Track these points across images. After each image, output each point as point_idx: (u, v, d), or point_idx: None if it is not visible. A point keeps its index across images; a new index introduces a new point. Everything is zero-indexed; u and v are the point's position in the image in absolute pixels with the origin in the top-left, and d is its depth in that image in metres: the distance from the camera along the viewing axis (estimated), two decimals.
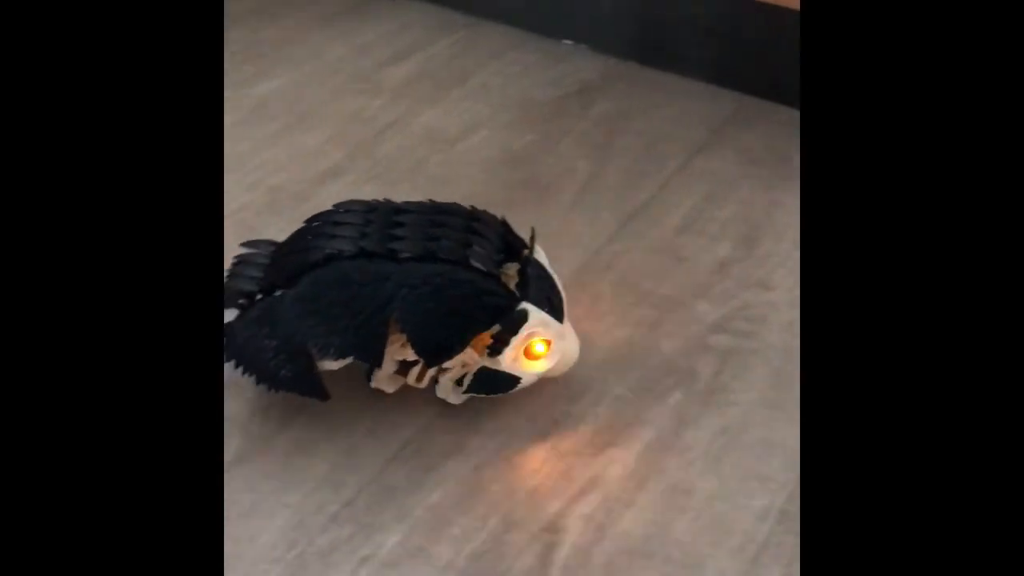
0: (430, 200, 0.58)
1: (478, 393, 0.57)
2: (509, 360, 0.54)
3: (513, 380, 0.56)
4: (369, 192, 0.74)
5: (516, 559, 0.50)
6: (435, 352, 0.54)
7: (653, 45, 0.89)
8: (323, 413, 0.57)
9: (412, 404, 0.58)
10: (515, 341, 0.54)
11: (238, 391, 0.58)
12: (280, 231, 0.70)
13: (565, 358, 0.57)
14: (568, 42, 0.93)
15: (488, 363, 0.55)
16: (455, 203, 0.58)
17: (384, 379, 0.57)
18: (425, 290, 0.52)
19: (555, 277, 0.57)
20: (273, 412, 0.57)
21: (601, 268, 0.68)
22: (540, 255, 0.57)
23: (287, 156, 0.78)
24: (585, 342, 0.62)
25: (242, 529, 0.51)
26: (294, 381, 0.55)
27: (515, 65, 0.90)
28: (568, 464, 0.55)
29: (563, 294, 0.56)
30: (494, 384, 0.56)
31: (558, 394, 0.59)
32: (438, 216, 0.55)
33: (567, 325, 0.56)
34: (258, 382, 0.55)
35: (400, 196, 0.74)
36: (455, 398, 0.57)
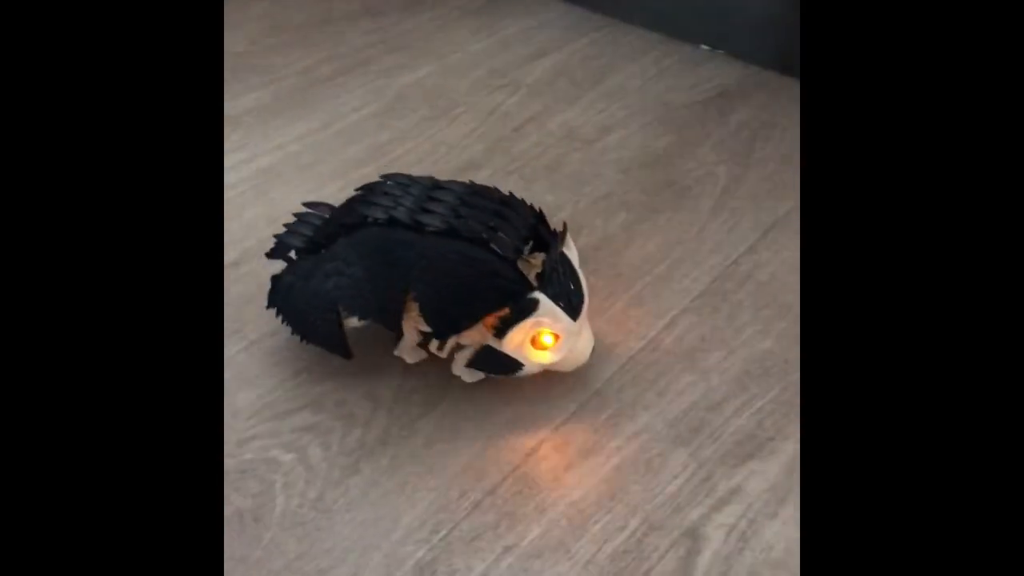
0: (470, 181, 0.59)
1: (479, 370, 0.58)
2: (513, 345, 0.55)
3: (515, 365, 0.56)
4: (507, 187, 0.76)
5: (658, 562, 0.50)
6: (443, 325, 0.56)
7: (793, 54, 0.88)
8: (465, 400, 0.58)
9: (554, 399, 0.59)
10: (521, 327, 0.54)
11: (382, 374, 0.60)
12: None
13: (574, 356, 0.57)
14: (705, 47, 0.93)
15: (493, 343, 0.55)
16: (493, 187, 0.59)
17: (407, 349, 0.60)
18: (441, 264, 0.54)
19: (581, 275, 0.57)
20: (416, 397, 0.59)
21: (741, 278, 0.68)
22: (571, 252, 0.58)
23: (427, 148, 0.80)
24: (725, 352, 0.62)
25: (386, 508, 0.53)
26: (322, 337, 0.58)
27: (652, 68, 0.90)
28: (708, 472, 0.55)
29: (586, 294, 0.57)
30: (495, 364, 0.57)
31: (698, 402, 0.59)
32: (471, 197, 0.57)
33: (582, 324, 0.56)
34: (293, 332, 0.60)
35: (538, 193, 0.75)
36: (468, 376, 0.59)
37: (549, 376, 0.60)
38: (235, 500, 0.53)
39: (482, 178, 0.76)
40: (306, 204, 0.63)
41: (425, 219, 0.55)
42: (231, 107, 0.84)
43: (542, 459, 0.55)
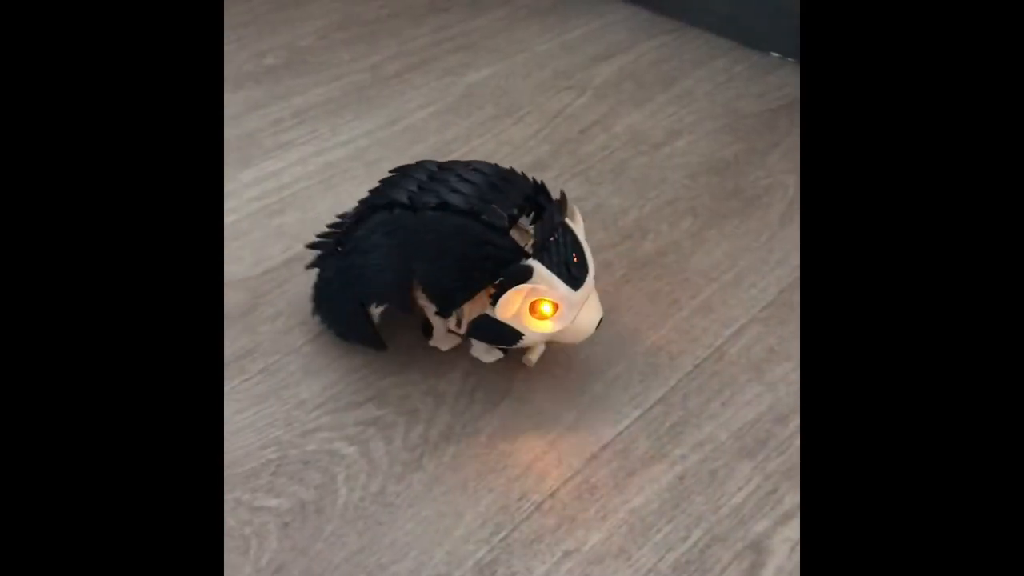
0: (476, 160, 0.58)
1: (479, 339, 0.57)
2: (508, 313, 0.54)
3: (515, 335, 0.55)
4: (572, 189, 0.75)
5: (720, 574, 0.49)
6: (443, 300, 0.56)
7: None
8: (526, 401, 0.58)
9: (616, 404, 0.58)
10: (516, 295, 0.53)
11: (445, 371, 0.60)
12: None
13: (577, 327, 0.55)
14: (775, 55, 0.91)
15: (490, 312, 0.55)
16: (492, 164, 0.58)
17: (439, 338, 0.60)
18: (434, 239, 0.54)
19: (585, 246, 0.56)
20: (478, 395, 0.59)
21: None
22: (577, 224, 0.56)
23: (494, 146, 0.80)
24: (792, 364, 0.60)
25: (447, 505, 0.52)
26: (353, 332, 0.60)
27: (721, 74, 0.89)
28: (774, 485, 0.54)
29: (591, 265, 0.55)
30: (494, 334, 0.56)
31: (764, 414, 0.58)
32: (469, 173, 0.56)
33: (585, 295, 0.55)
34: (337, 334, 0.61)
35: (603, 196, 0.75)
36: (487, 356, 0.59)
37: (612, 381, 0.59)
38: (297, 491, 0.53)
39: (547, 179, 0.76)
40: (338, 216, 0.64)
41: (423, 198, 0.54)
42: (300, 101, 0.85)
43: (604, 464, 0.55)
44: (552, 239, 0.54)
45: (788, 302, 0.65)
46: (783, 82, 0.88)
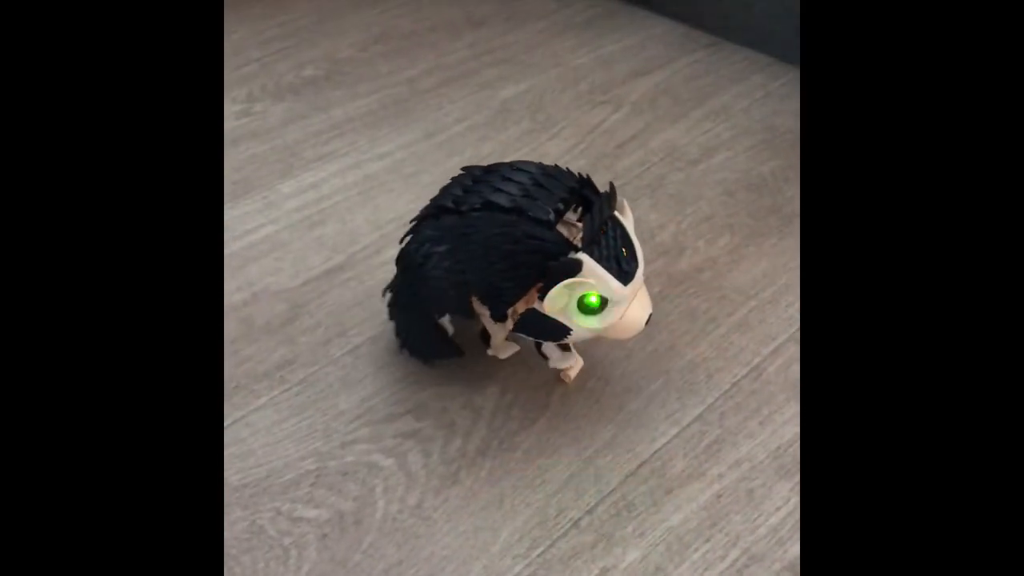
0: (521, 160, 0.58)
1: (526, 334, 0.56)
2: (556, 307, 0.53)
3: (562, 330, 0.54)
4: None
5: None
6: (496, 301, 0.54)
7: None
8: (564, 416, 0.58)
9: (654, 422, 0.58)
10: (565, 289, 0.52)
11: (483, 385, 0.60)
12: None
13: (626, 323, 0.54)
14: None
15: (537, 306, 0.54)
16: (536, 162, 0.57)
17: (498, 346, 0.60)
18: (480, 240, 0.53)
19: (635, 241, 0.54)
20: (515, 411, 0.59)
21: None
22: (627, 218, 0.55)
23: (531, 160, 0.80)
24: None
25: (485, 520, 0.53)
26: (430, 349, 0.60)
27: (758, 90, 0.89)
28: None
29: (640, 260, 0.54)
30: (540, 328, 0.54)
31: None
32: (513, 173, 0.55)
33: (635, 290, 0.54)
34: (423, 361, 0.61)
35: (640, 212, 0.75)
36: (503, 352, 0.60)
37: (649, 398, 0.59)
38: (336, 502, 0.54)
39: None
40: None
41: (468, 200, 0.54)
42: (339, 113, 0.86)
43: (641, 482, 0.55)
44: (602, 232, 0.53)
45: None
46: None
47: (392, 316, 0.61)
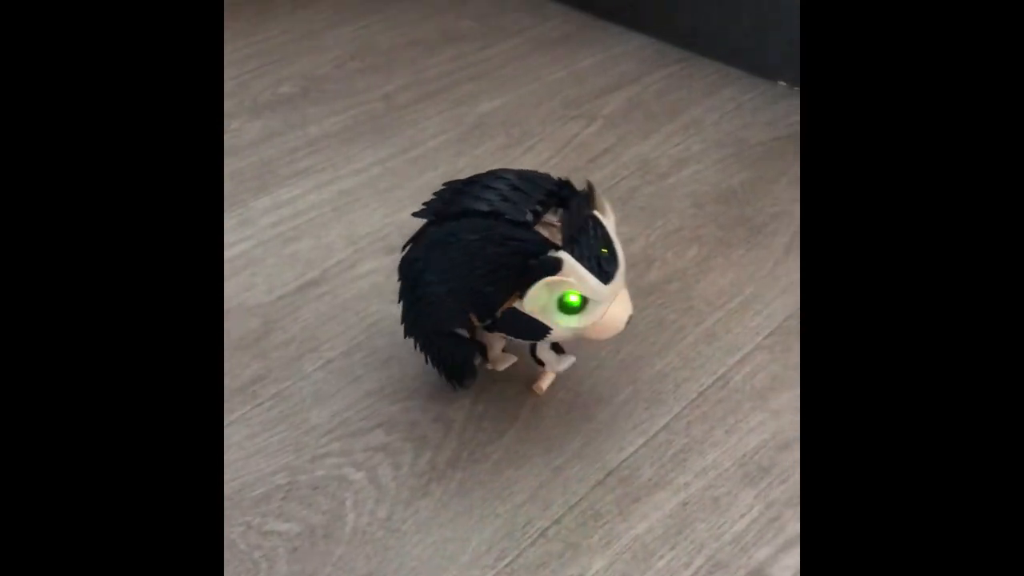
0: (501, 168, 0.58)
1: (505, 333, 0.56)
2: (536, 306, 0.53)
3: (542, 328, 0.54)
4: None
5: None
6: (483, 308, 0.54)
7: None
8: (534, 428, 0.59)
9: (621, 431, 0.59)
10: (544, 287, 0.52)
11: (454, 397, 0.61)
12: None
13: (607, 322, 0.54)
14: (783, 83, 0.92)
15: (518, 305, 0.54)
16: (515, 169, 0.57)
17: (496, 358, 0.61)
18: (459, 245, 0.53)
19: (616, 240, 0.54)
20: (486, 423, 0.60)
21: None
22: (608, 218, 0.55)
23: None
24: (796, 392, 0.61)
25: (454, 531, 0.53)
26: (454, 371, 0.60)
27: (729, 103, 0.90)
28: (777, 512, 0.54)
29: (621, 260, 0.54)
30: (520, 328, 0.55)
31: (768, 442, 0.58)
32: (492, 181, 0.55)
33: (616, 290, 0.54)
34: (448, 379, 0.61)
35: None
36: (501, 363, 0.62)
37: (618, 408, 0.60)
38: (307, 516, 0.54)
39: None
40: None
41: (448, 210, 0.54)
42: (315, 130, 0.86)
43: (608, 491, 0.56)
44: (582, 232, 0.53)
45: (793, 330, 0.66)
46: (791, 111, 0.89)
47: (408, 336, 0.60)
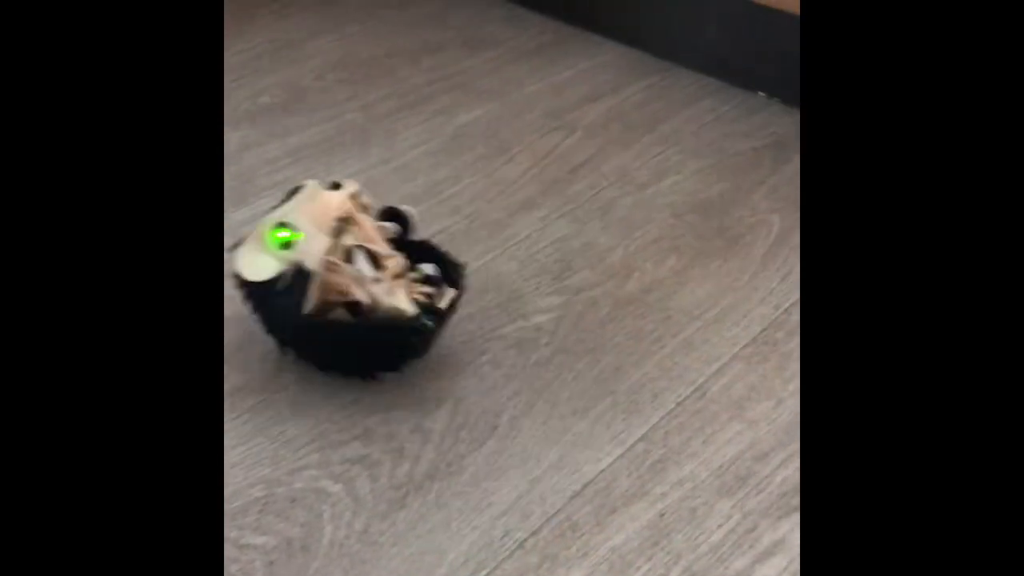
0: None
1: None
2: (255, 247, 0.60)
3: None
4: (561, 227, 0.77)
5: None
6: None
7: None
8: (511, 440, 0.59)
9: (599, 443, 0.59)
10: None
11: (432, 408, 0.61)
12: (478, 256, 0.73)
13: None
14: (762, 94, 0.93)
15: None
16: None
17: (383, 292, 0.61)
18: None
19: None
20: (464, 433, 0.60)
21: (791, 327, 0.68)
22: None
23: (482, 186, 0.81)
24: (774, 402, 0.62)
25: (430, 543, 0.53)
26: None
27: (708, 114, 0.91)
28: (753, 523, 0.55)
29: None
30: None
31: (745, 452, 0.58)
32: None
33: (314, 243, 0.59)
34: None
35: (590, 235, 0.76)
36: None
37: (596, 419, 0.60)
38: (284, 528, 0.54)
39: (536, 218, 0.78)
40: None
41: None
42: (295, 140, 0.86)
43: (586, 502, 0.56)
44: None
45: (770, 340, 0.66)
46: (769, 121, 0.90)
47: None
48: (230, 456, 0.58)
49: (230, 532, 0.54)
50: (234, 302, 0.69)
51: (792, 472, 0.57)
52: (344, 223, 0.61)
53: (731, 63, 0.94)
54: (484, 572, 0.52)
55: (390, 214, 0.65)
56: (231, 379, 0.63)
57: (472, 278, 0.71)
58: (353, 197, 0.63)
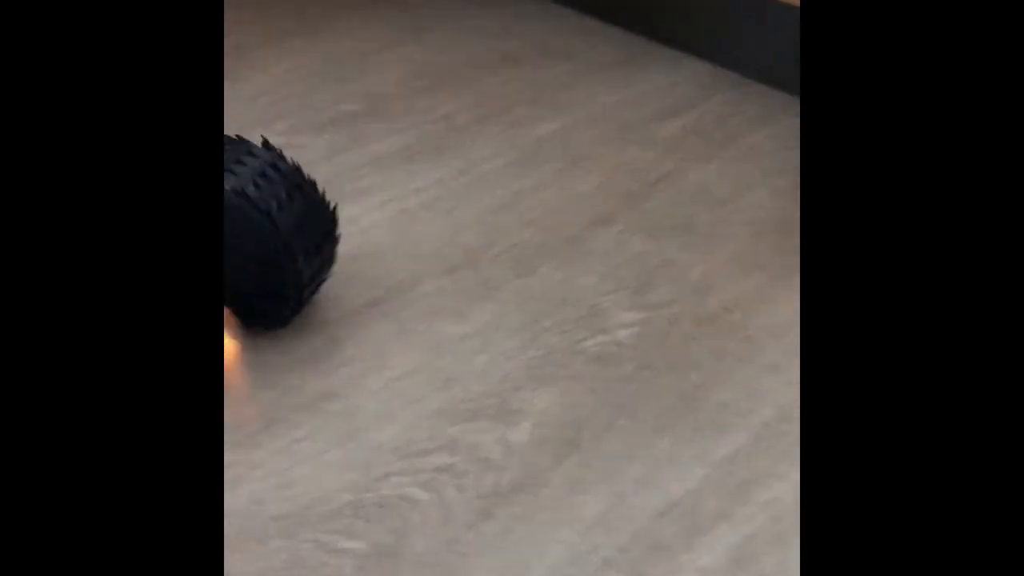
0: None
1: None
2: None
3: None
4: (637, 243, 0.77)
5: None
6: None
7: None
8: (595, 453, 0.59)
9: (684, 461, 0.59)
10: None
11: (516, 420, 0.61)
12: (554, 270, 0.74)
13: None
14: None
15: None
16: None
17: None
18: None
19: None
20: (547, 447, 0.60)
21: None
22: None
23: (560, 199, 0.82)
24: None
25: (517, 555, 0.54)
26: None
27: (787, 130, 0.90)
28: None
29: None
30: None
31: None
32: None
33: None
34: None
35: (669, 251, 0.76)
36: None
37: (678, 437, 0.60)
38: (373, 534, 0.55)
39: (612, 234, 0.78)
40: None
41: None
42: (377, 148, 0.88)
43: (672, 521, 0.56)
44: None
45: None
46: None
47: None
48: (320, 461, 0.59)
49: (322, 536, 0.55)
50: (319, 307, 0.70)
51: None
52: None
53: None
54: None
55: None
56: (318, 385, 0.64)
57: (551, 291, 0.71)
58: None
